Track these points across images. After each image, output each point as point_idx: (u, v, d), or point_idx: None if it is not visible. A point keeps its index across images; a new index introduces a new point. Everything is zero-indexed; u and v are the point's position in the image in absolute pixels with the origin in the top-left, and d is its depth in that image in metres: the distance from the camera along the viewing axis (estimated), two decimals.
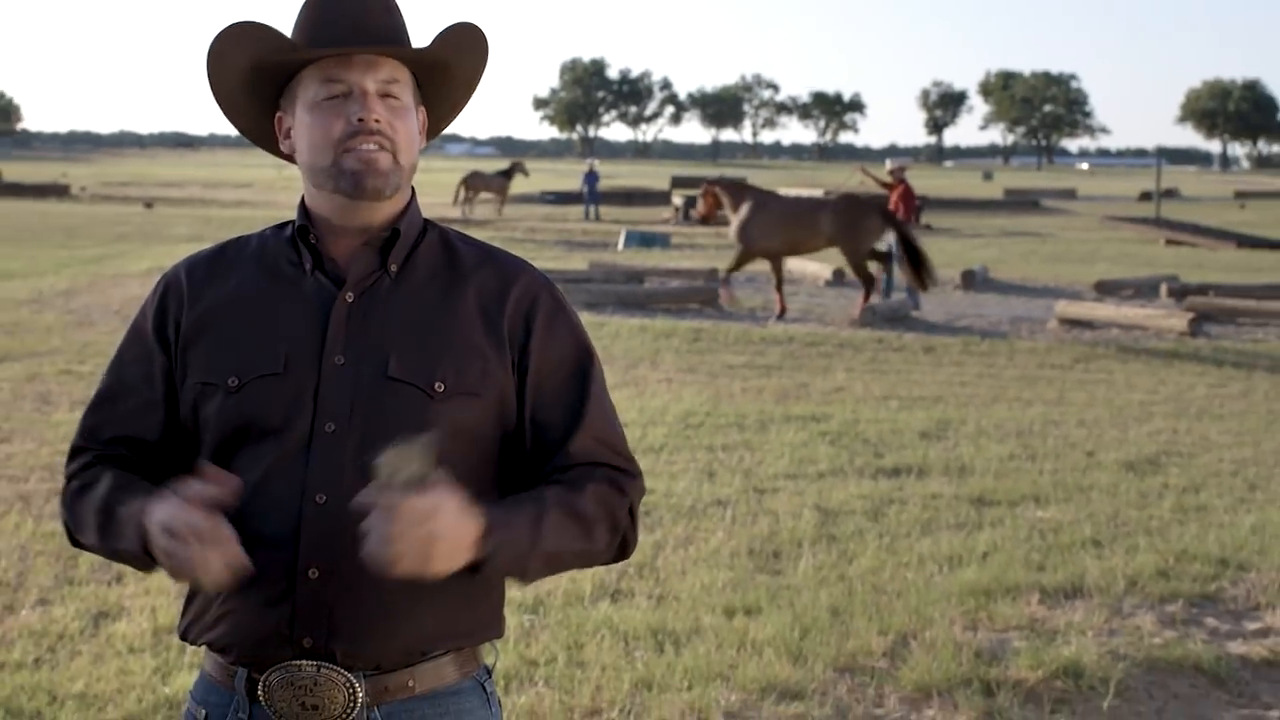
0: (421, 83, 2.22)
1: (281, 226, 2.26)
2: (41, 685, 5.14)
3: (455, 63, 2.22)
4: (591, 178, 42.55)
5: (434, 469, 1.91)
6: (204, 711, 2.18)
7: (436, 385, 2.11)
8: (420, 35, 2.21)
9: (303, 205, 2.21)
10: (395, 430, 2.06)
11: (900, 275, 18.08)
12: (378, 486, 1.90)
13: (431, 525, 1.88)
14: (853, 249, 17.12)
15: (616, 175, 59.63)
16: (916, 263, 16.35)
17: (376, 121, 2.10)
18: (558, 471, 2.17)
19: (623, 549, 2.21)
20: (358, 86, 2.10)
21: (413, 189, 2.26)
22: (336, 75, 2.11)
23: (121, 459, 2.19)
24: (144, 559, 2.06)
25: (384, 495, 1.88)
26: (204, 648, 2.18)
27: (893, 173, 19.81)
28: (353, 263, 2.16)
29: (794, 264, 23.18)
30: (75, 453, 2.24)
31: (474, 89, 2.31)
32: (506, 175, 43.83)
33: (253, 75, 2.17)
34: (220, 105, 2.25)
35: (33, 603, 6.13)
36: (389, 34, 2.13)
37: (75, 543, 2.23)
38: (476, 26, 2.20)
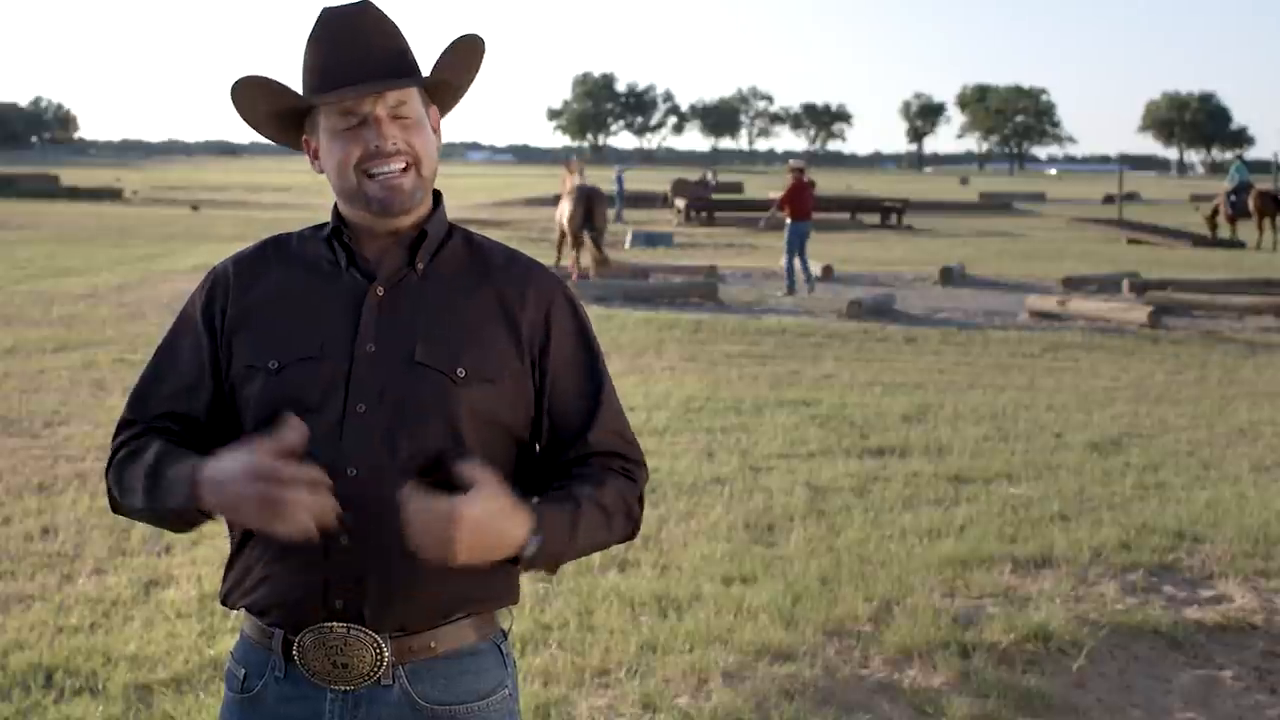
0: (429, 89, 2.22)
1: (319, 227, 2.27)
2: (97, 648, 5.15)
3: (455, 74, 2.23)
4: (620, 181, 42.56)
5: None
6: (244, 670, 2.19)
7: (458, 371, 2.11)
8: (427, 39, 2.20)
9: (336, 211, 2.22)
10: (421, 410, 2.09)
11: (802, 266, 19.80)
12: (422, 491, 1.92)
13: (457, 526, 1.90)
14: (567, 226, 20.08)
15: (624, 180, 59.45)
16: (596, 245, 19.77)
17: (393, 144, 2.11)
18: (577, 461, 2.19)
19: (633, 530, 2.25)
20: (371, 115, 2.11)
21: (438, 193, 2.26)
22: (350, 108, 2.11)
23: (169, 433, 2.19)
24: (191, 514, 2.05)
25: (421, 498, 1.91)
26: (244, 613, 2.19)
27: (791, 169, 20.80)
28: (383, 260, 2.18)
29: (785, 261, 23.13)
30: (123, 425, 2.23)
31: (473, 79, 2.29)
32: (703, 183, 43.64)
33: (272, 117, 2.19)
34: (261, 134, 2.26)
35: (89, 572, 6.13)
36: (392, 64, 2.13)
37: (116, 508, 2.21)
38: (466, 40, 2.19)
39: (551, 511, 2.04)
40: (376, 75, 2.10)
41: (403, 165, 2.11)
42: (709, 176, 41.91)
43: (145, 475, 2.10)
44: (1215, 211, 33.40)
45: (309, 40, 2.16)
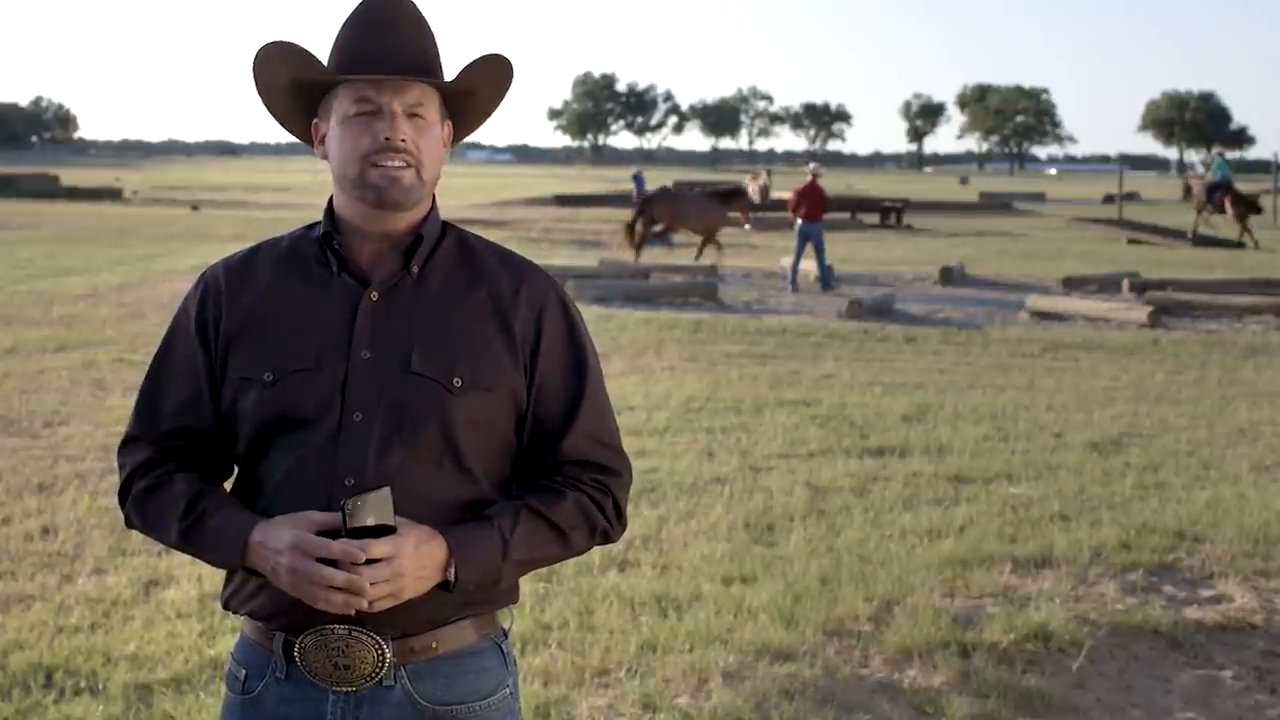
0: (447, 100, 2.22)
1: (310, 227, 2.26)
2: (97, 648, 5.15)
3: (480, 89, 2.23)
4: (640, 181, 42.20)
5: (392, 515, 1.97)
6: (245, 672, 2.19)
7: (455, 381, 2.11)
8: (443, 48, 2.20)
9: (330, 210, 2.21)
10: (418, 419, 2.09)
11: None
12: (345, 530, 1.96)
13: (394, 566, 1.96)
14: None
15: (623, 180, 59.51)
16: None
17: (402, 140, 2.10)
18: (551, 467, 2.20)
19: (605, 540, 2.26)
20: (387, 107, 2.10)
21: (433, 195, 2.26)
22: (368, 95, 2.11)
23: (179, 452, 2.20)
24: (238, 568, 2.10)
25: (349, 547, 1.95)
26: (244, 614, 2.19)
27: (811, 172, 21.76)
28: (377, 264, 2.17)
29: (786, 261, 23.22)
30: (130, 442, 2.24)
31: (498, 104, 2.29)
32: None
33: (293, 87, 2.19)
34: (270, 112, 2.26)
35: (89, 572, 6.13)
36: (420, 62, 2.13)
37: (132, 526, 2.24)
38: (502, 58, 2.19)
39: (472, 534, 2.07)
40: (403, 68, 2.11)
41: (405, 164, 2.11)
42: (765, 177, 41.05)
43: (182, 516, 2.12)
44: (1201, 207, 34.09)
45: (344, 23, 2.17)
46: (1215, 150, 41.13)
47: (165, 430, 2.20)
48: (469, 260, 2.23)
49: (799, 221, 20.54)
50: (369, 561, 1.95)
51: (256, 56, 2.16)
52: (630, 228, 23.34)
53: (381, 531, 1.96)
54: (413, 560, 1.98)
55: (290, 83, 2.18)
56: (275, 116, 2.27)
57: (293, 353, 2.12)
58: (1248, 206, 32.65)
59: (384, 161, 2.10)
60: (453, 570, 2.04)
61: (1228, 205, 32.56)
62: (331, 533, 1.98)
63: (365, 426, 2.08)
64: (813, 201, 20.68)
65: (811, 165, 22.14)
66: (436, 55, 2.18)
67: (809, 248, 20.31)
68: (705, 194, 25.15)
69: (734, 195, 24.63)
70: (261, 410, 2.11)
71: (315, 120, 2.22)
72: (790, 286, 19.94)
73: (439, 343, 2.13)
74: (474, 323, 2.16)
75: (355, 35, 2.14)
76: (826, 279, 20.15)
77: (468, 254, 2.24)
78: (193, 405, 2.19)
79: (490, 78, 2.22)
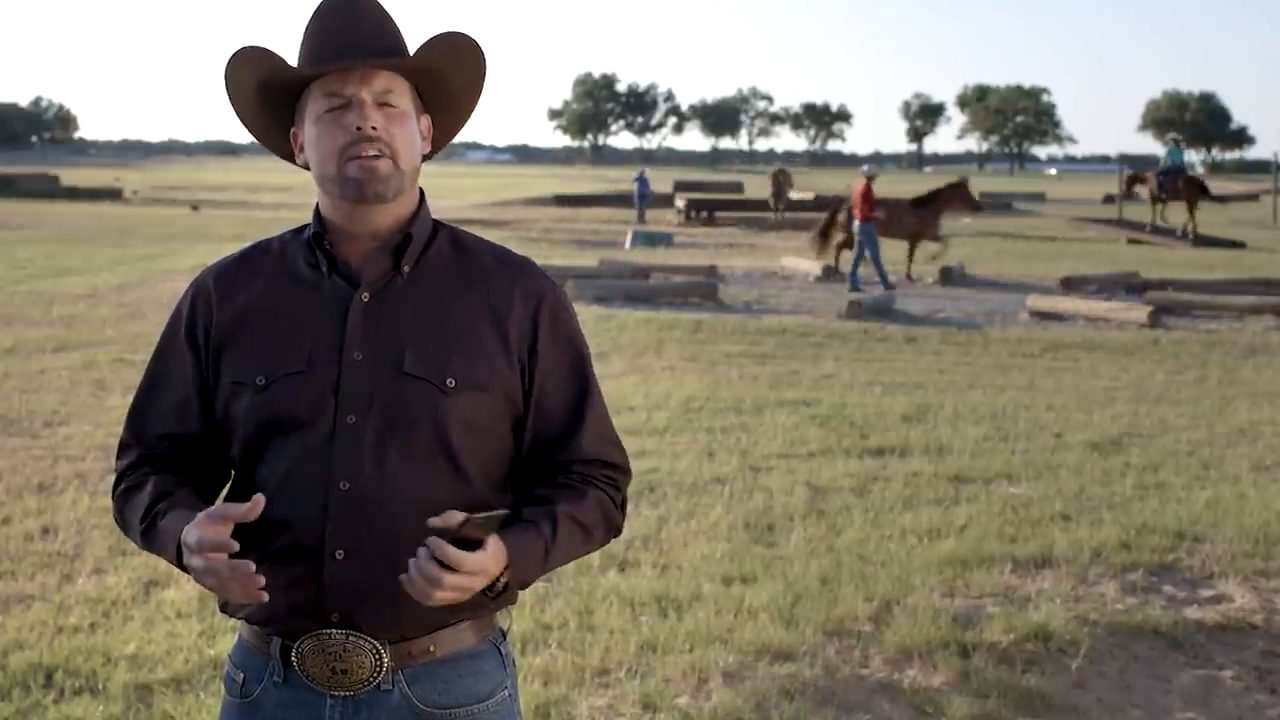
0: (421, 91, 2.20)
1: (299, 230, 2.24)
2: (97, 648, 5.14)
3: (447, 70, 2.20)
4: (643, 183, 41.92)
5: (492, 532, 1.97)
6: (242, 675, 2.18)
7: (448, 381, 2.09)
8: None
9: (317, 212, 2.19)
10: (411, 420, 2.08)
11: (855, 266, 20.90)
12: (442, 533, 1.94)
13: (472, 580, 1.96)
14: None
15: (623, 180, 59.56)
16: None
17: (374, 129, 2.09)
18: (565, 465, 2.19)
19: (614, 535, 2.27)
20: (355, 97, 2.09)
21: (422, 192, 2.24)
22: (335, 89, 2.10)
23: (165, 457, 2.20)
24: (182, 568, 2.09)
25: (440, 547, 1.92)
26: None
27: (865, 175, 21.84)
28: (367, 265, 2.15)
29: (786, 261, 23.26)
30: (123, 448, 2.25)
31: (477, 95, 2.27)
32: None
33: (262, 93, 2.18)
34: (245, 125, 2.26)
35: (89, 572, 6.13)
36: (381, 48, 2.12)
37: (121, 529, 2.25)
38: (462, 34, 2.18)
39: (525, 542, 2.06)
40: (364, 54, 2.10)
41: (379, 153, 2.09)
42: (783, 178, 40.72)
43: (143, 518, 2.12)
44: (1132, 182, 34.53)
45: (306, 26, 2.16)
46: (1170, 136, 41.14)
47: (153, 436, 2.21)
48: (463, 260, 2.21)
49: (856, 223, 21.00)
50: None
51: (225, 69, 2.16)
52: (822, 236, 23.00)
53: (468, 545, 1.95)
54: (484, 571, 1.98)
55: (259, 87, 2.17)
56: (254, 133, 2.27)
57: (284, 356, 2.11)
58: (1200, 190, 33.23)
59: (359, 153, 2.08)
60: (506, 575, 2.03)
61: (1179, 187, 33.16)
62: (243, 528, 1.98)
63: (359, 429, 2.07)
64: (860, 203, 21.01)
65: (865, 168, 22.30)
66: (401, 42, 2.17)
67: (880, 244, 20.78)
68: (910, 200, 24.14)
69: (934, 198, 23.50)
70: (255, 414, 2.10)
71: (293, 129, 2.21)
72: (883, 285, 20.20)
73: (431, 342, 2.12)
74: (467, 322, 2.14)
75: (316, 33, 2.14)
76: (854, 279, 20.41)
77: (462, 253, 2.22)
78: (180, 411, 2.19)
79: (451, 56, 2.19)
